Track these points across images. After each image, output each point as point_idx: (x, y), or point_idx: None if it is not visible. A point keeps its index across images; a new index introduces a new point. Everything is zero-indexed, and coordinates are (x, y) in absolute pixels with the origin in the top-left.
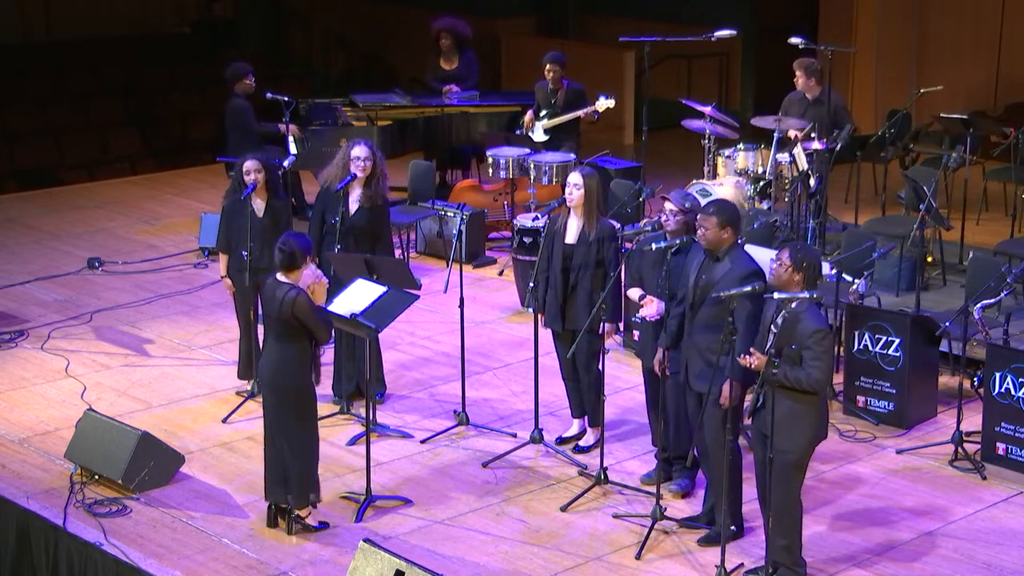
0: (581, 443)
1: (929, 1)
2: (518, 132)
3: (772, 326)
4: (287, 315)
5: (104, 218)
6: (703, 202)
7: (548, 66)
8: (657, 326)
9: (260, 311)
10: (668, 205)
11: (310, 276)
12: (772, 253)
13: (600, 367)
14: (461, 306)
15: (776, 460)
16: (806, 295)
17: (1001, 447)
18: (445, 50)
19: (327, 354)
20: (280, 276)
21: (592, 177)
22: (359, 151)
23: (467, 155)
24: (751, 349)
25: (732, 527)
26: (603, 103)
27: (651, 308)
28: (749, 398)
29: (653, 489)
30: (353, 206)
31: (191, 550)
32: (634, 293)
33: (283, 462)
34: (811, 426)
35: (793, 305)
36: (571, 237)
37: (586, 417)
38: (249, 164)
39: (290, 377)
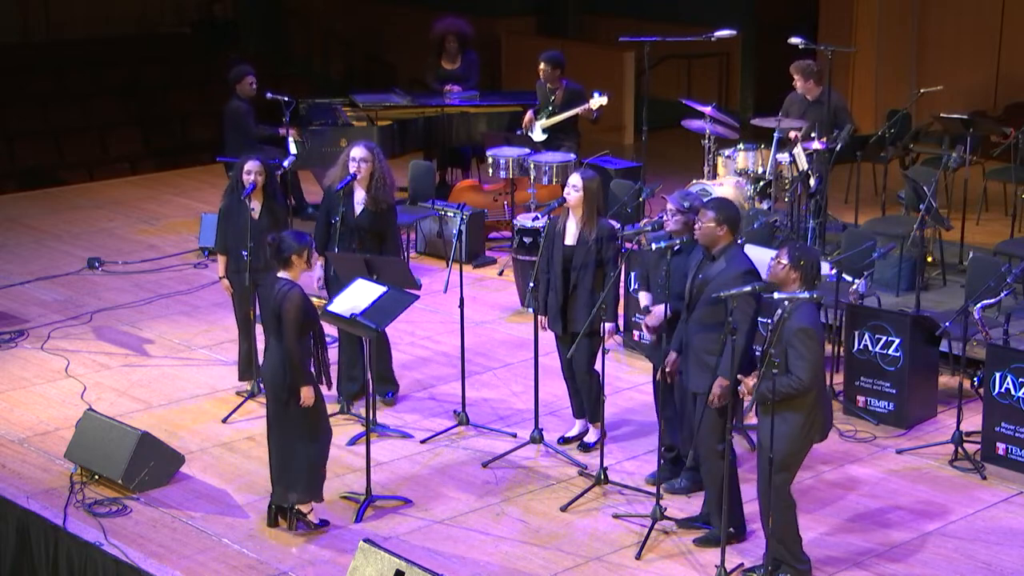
0: (587, 439)
1: (929, 1)
2: (518, 132)
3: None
4: (278, 310)
5: (104, 218)
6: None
7: (541, 65)
8: (668, 331)
9: (259, 312)
10: (668, 205)
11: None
12: (772, 253)
13: (600, 367)
14: (461, 306)
15: (766, 459)
16: (806, 295)
17: (1001, 447)
18: (451, 51)
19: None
20: (280, 273)
21: (592, 180)
22: (357, 151)
23: (467, 155)
24: (739, 376)
25: (731, 528)
26: (596, 100)
27: (652, 319)
28: (750, 398)
29: (653, 489)
30: (358, 207)
31: (191, 550)
32: (644, 298)
33: (282, 462)
34: (799, 426)
35: (787, 303)
36: (570, 239)
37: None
38: (250, 165)
39: (288, 377)
